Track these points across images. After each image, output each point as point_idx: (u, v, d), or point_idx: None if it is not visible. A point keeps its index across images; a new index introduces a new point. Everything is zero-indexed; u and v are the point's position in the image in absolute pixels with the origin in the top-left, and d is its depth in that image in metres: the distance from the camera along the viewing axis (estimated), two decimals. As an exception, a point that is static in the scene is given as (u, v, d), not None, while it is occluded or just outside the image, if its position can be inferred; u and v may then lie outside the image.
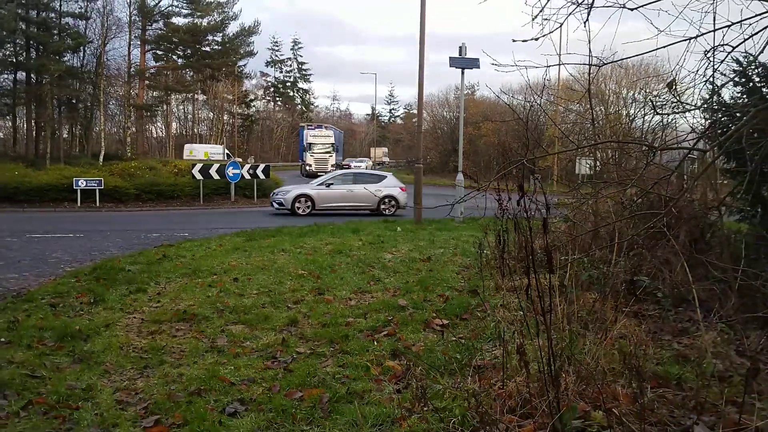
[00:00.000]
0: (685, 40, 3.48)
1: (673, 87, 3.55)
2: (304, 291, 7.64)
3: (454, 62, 17.17)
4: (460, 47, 17.12)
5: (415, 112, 20.37)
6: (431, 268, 9.16)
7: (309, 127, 55.82)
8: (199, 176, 26.13)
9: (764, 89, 7.07)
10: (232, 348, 5.41)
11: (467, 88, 46.43)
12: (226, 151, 52.32)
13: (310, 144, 51.51)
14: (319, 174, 36.70)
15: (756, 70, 7.00)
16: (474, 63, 17.13)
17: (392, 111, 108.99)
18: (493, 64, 4.17)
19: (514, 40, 4.13)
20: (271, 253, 10.49)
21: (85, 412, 4.04)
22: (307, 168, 49.57)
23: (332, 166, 49.23)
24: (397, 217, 20.03)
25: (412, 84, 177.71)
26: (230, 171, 26.65)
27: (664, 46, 3.59)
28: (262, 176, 28.05)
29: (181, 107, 72.40)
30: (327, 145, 51.70)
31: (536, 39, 4.09)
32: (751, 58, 6.44)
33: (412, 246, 11.47)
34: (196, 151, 52.77)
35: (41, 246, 12.71)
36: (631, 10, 3.88)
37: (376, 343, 5.46)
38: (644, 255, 7.00)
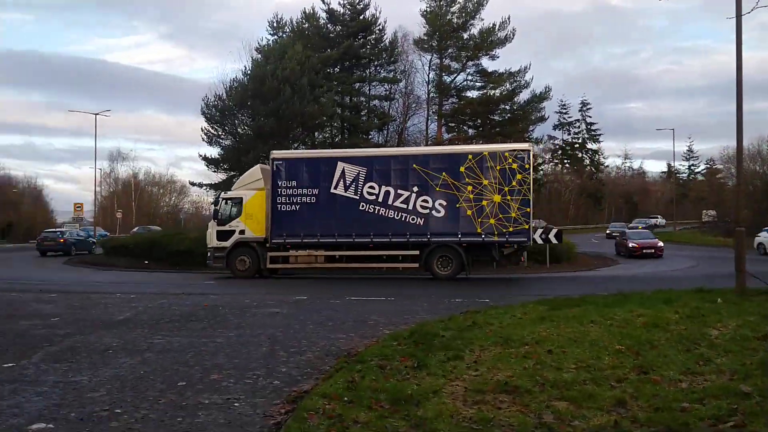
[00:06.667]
0: None
1: None
2: (625, 368, 7.14)
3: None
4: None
5: (720, 167, 18.40)
6: (772, 349, 7.99)
7: None
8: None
9: None
10: (561, 426, 5.22)
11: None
12: None
13: None
14: None
15: None
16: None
17: (692, 167, 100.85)
18: None
19: None
20: (580, 324, 10.08)
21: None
22: None
23: None
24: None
25: (714, 137, 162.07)
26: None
27: None
28: (554, 241, 27.93)
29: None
30: None
31: None
32: None
33: (740, 321, 10.15)
34: None
35: (358, 308, 13.99)
36: None
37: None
38: None
